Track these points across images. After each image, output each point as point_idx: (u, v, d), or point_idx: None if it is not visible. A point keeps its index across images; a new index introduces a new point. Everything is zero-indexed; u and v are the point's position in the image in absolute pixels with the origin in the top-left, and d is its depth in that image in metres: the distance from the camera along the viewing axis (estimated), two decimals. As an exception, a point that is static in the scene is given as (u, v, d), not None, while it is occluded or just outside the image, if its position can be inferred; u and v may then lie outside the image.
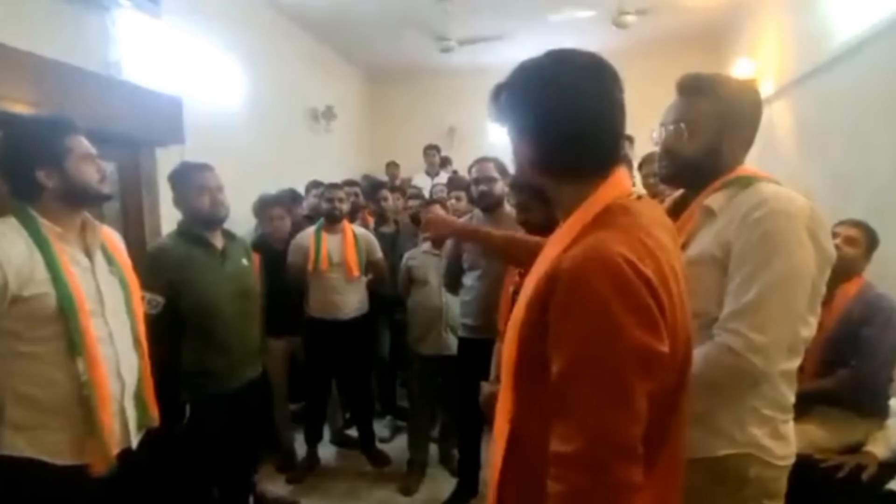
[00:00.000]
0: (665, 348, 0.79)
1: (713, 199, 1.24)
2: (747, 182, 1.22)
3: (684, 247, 1.25)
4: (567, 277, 0.79)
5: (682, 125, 1.28)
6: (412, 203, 4.20)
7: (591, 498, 0.76)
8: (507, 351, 0.92)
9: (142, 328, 1.71)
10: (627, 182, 0.92)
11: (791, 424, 1.24)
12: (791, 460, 1.23)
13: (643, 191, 3.22)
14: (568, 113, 0.87)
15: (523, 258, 1.51)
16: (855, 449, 2.02)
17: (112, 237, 1.74)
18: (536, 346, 0.84)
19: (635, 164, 4.63)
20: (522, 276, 1.87)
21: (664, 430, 0.86)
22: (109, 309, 1.58)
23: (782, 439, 1.21)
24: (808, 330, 1.20)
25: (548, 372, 0.81)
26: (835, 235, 2.10)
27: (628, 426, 0.77)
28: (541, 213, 1.88)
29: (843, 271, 2.06)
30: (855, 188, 2.99)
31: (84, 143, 1.58)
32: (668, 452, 0.89)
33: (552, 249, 0.90)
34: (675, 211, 1.37)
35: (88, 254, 1.59)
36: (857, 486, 1.91)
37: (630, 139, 4.92)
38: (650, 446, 0.80)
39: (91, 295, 1.53)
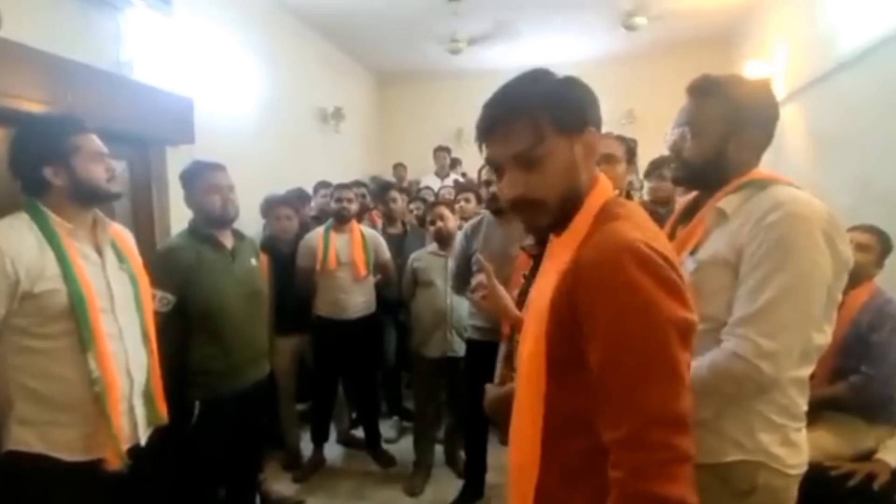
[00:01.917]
0: (695, 317, 0.82)
1: (726, 201, 1.22)
2: (762, 185, 1.20)
3: (695, 249, 1.24)
4: (592, 267, 0.81)
5: (687, 128, 1.28)
6: (412, 206, 4.23)
7: (653, 475, 0.76)
8: (531, 355, 0.91)
9: (151, 325, 1.72)
10: (610, 183, 0.98)
11: (804, 432, 1.22)
12: (802, 469, 1.21)
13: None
14: (596, 111, 0.95)
15: None
16: (866, 457, 2.00)
17: (122, 234, 1.75)
18: (567, 343, 0.84)
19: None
20: (527, 278, 1.86)
21: None
22: (119, 305, 1.59)
23: (793, 447, 1.19)
24: (823, 337, 1.18)
25: (582, 367, 0.82)
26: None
27: (679, 398, 0.78)
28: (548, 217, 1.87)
29: (854, 277, 2.02)
30: (870, 193, 2.96)
31: (94, 142, 1.59)
32: None
33: (563, 249, 0.91)
34: (688, 213, 1.35)
35: (98, 250, 1.60)
36: (869, 494, 1.89)
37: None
38: None
39: (101, 291, 1.54)
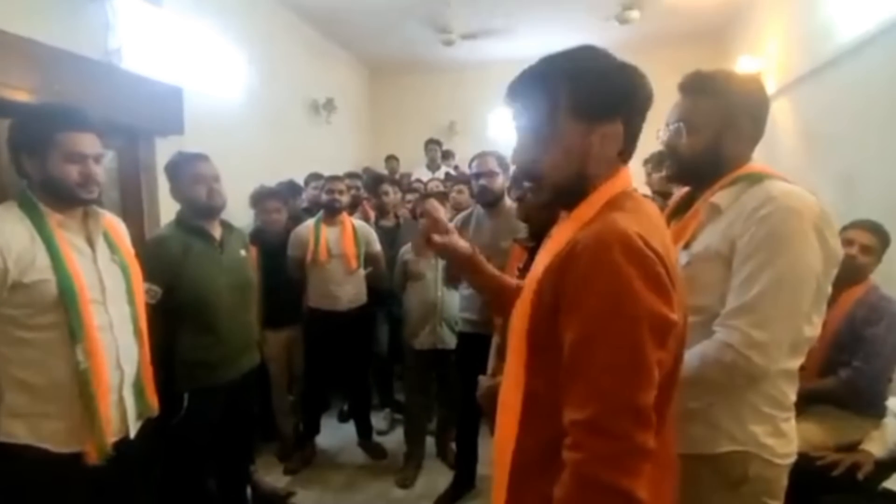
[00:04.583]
0: (676, 317, 0.82)
1: (719, 195, 1.23)
2: (755, 179, 1.21)
3: (689, 243, 1.24)
4: (584, 251, 0.82)
5: (682, 124, 1.28)
6: (409, 197, 4.24)
7: (609, 463, 0.77)
8: (516, 330, 0.93)
9: (143, 317, 1.71)
10: (631, 178, 0.97)
11: (793, 422, 1.24)
12: (792, 458, 1.23)
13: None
14: (631, 105, 0.94)
15: (505, 307, 1.19)
16: (851, 447, 2.02)
17: (115, 225, 1.73)
18: (548, 321, 0.85)
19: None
20: (521, 270, 1.87)
21: (666, 403, 0.88)
22: (110, 297, 1.58)
23: (783, 437, 1.21)
24: (813, 329, 1.19)
25: (561, 346, 0.83)
26: (851, 242, 2.08)
27: (643, 390, 0.78)
28: (542, 207, 1.87)
29: (855, 277, 2.06)
30: (861, 187, 2.98)
31: (76, 142, 1.51)
32: (668, 426, 0.90)
33: (564, 231, 0.92)
34: (681, 208, 1.36)
35: (90, 241, 1.58)
36: (853, 484, 1.91)
37: None
38: (657, 416, 0.81)
39: (92, 283, 1.52)
